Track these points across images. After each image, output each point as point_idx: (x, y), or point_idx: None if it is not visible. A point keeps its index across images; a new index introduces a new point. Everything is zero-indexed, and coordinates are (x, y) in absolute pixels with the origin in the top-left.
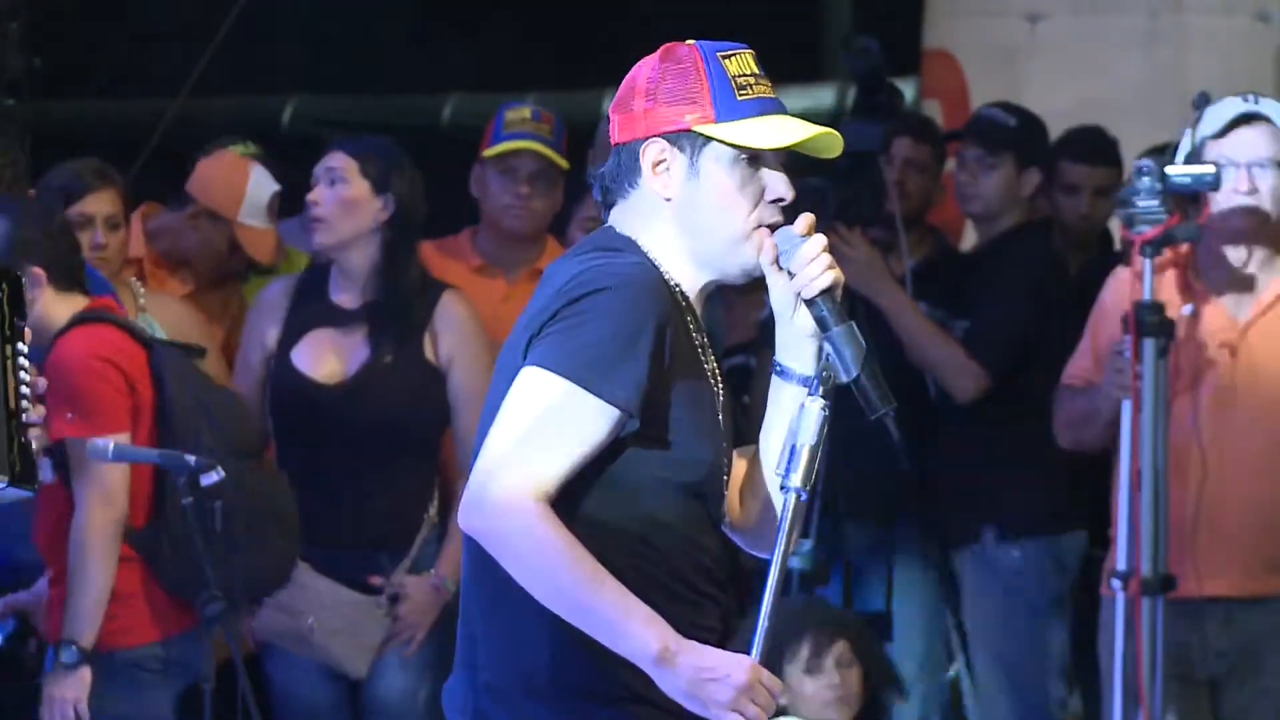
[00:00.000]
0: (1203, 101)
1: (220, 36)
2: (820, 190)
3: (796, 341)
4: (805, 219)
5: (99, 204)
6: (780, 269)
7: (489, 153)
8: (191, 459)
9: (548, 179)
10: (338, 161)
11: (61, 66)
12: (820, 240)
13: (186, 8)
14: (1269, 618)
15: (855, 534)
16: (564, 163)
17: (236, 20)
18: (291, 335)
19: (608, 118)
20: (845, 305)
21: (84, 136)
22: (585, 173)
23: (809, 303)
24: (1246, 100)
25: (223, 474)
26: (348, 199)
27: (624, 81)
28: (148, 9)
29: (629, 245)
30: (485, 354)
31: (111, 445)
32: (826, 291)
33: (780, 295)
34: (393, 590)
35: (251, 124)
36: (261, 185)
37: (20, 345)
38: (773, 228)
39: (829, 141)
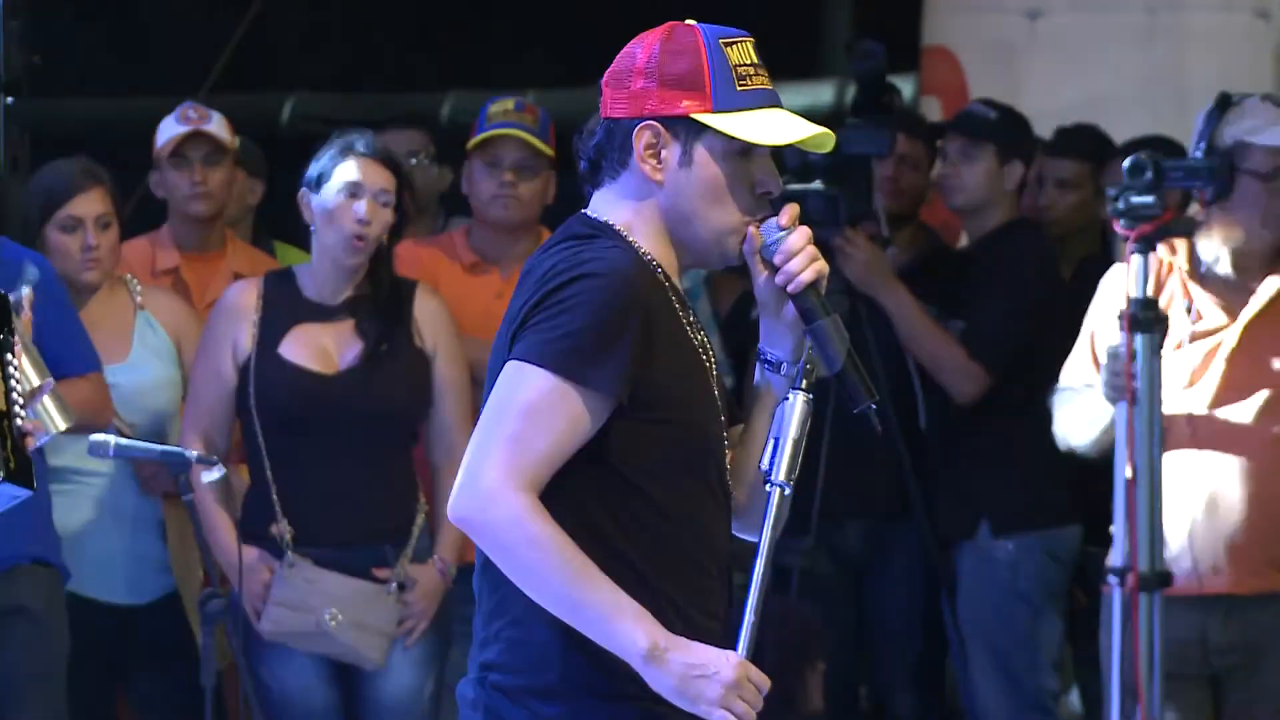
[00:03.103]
0: (1226, 101)
1: (235, 40)
2: (832, 196)
3: (780, 333)
4: (789, 211)
5: (87, 205)
6: (765, 262)
7: (473, 143)
8: (194, 455)
9: (533, 167)
10: (390, 185)
11: (61, 66)
12: (805, 233)
13: (187, 7)
14: (1271, 615)
15: (854, 533)
16: (549, 150)
17: (236, 18)
18: (273, 334)
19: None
20: (846, 302)
21: (84, 136)
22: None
23: (794, 296)
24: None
25: (224, 470)
26: (389, 222)
27: (621, 54)
28: (148, 8)
29: (604, 230)
30: (460, 344)
31: (114, 442)
32: (811, 285)
33: (765, 288)
34: (400, 579)
35: (250, 121)
36: (167, 122)
37: (8, 356)
38: (759, 220)
39: (823, 140)
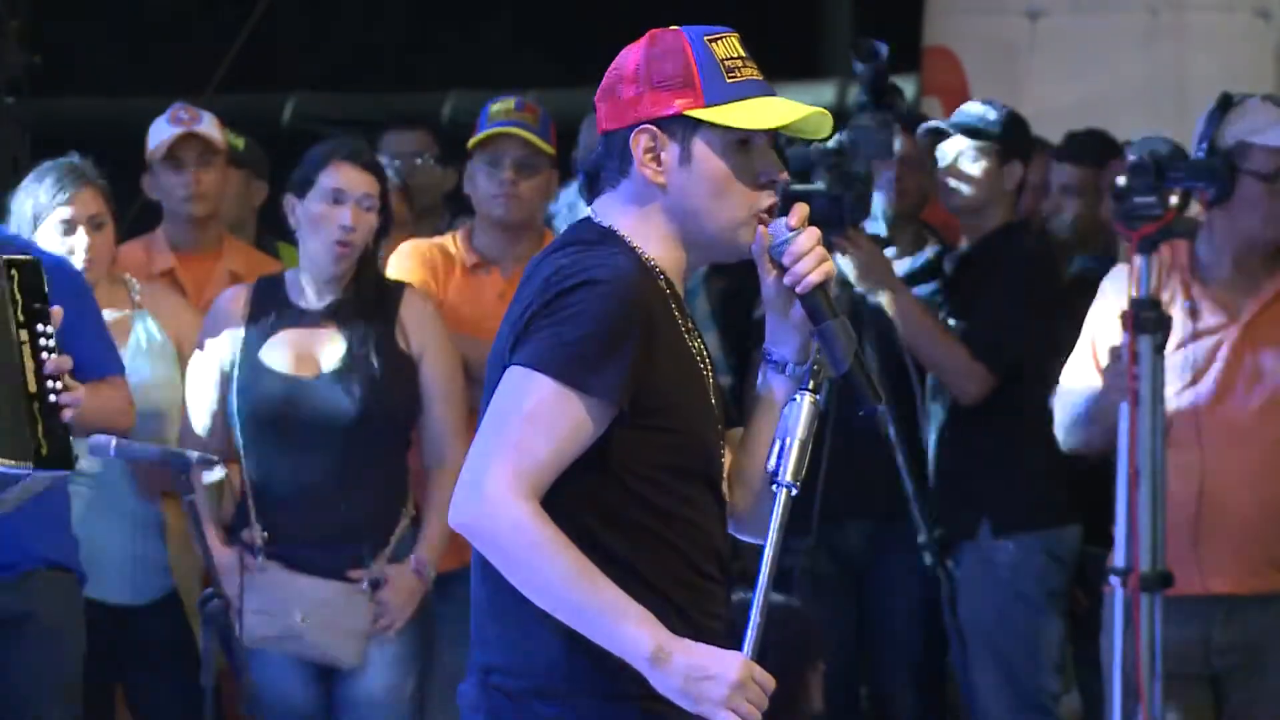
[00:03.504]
0: (1227, 101)
1: (240, 40)
2: (836, 196)
3: (787, 333)
4: (798, 210)
5: (80, 206)
6: (773, 261)
7: (473, 142)
8: (194, 455)
9: (534, 166)
10: (374, 189)
11: (61, 65)
12: (814, 234)
13: (188, 7)
14: (1272, 615)
15: (855, 533)
16: (550, 149)
17: (236, 17)
18: (257, 340)
19: (594, 107)
20: (847, 302)
21: (84, 136)
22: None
23: (802, 296)
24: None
25: (225, 471)
26: (373, 228)
27: (609, 69)
28: (149, 8)
29: (606, 235)
30: (451, 347)
31: (113, 442)
32: (819, 286)
33: (772, 288)
34: (374, 577)
35: (251, 120)
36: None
37: (42, 327)
38: (768, 211)
39: (819, 122)
